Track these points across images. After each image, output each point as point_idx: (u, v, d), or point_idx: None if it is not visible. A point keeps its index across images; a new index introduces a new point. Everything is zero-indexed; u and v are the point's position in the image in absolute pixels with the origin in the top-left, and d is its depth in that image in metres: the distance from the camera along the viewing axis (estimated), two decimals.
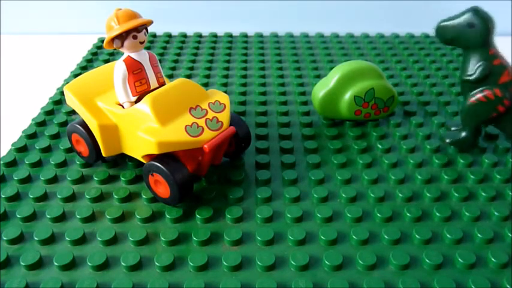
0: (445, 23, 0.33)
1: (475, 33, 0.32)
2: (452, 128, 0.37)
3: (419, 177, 0.32)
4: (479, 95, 0.33)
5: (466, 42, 0.33)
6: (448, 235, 0.28)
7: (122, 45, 0.30)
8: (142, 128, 0.29)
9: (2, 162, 0.34)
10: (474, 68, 0.32)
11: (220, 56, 0.53)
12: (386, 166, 0.34)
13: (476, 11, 0.32)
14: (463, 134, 0.34)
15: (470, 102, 0.33)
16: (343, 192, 0.31)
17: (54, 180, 0.32)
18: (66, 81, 0.47)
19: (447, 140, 0.35)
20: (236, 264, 0.26)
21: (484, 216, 0.30)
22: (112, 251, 0.27)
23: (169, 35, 0.59)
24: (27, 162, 0.34)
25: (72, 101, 0.32)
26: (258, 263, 0.26)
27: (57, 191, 0.31)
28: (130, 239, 0.28)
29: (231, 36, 0.59)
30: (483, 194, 0.31)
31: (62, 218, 0.29)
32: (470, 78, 0.33)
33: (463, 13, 0.33)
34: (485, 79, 0.32)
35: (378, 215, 0.29)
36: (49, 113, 0.40)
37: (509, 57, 0.55)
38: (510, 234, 0.28)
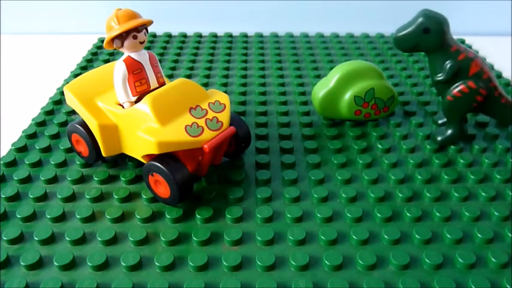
0: (401, 34, 0.34)
1: (432, 37, 0.33)
2: (440, 121, 0.38)
3: (419, 177, 0.32)
4: (454, 91, 0.33)
5: (426, 47, 0.33)
6: (448, 235, 0.28)
7: (122, 45, 0.30)
8: (142, 128, 0.29)
9: (2, 162, 0.34)
10: (442, 68, 0.33)
11: (220, 56, 0.53)
12: (386, 166, 0.34)
13: (427, 16, 0.33)
14: (450, 131, 0.35)
15: (448, 99, 0.34)
16: (343, 192, 0.31)
17: (54, 180, 0.32)
18: (66, 81, 0.47)
19: (438, 138, 0.36)
20: (236, 264, 0.26)
21: (484, 216, 0.30)
22: (112, 251, 0.27)
23: (169, 35, 0.59)
24: (27, 162, 0.34)
25: (72, 101, 0.32)
26: (258, 263, 0.26)
27: (57, 191, 0.31)
28: (130, 239, 0.28)
29: (231, 36, 0.59)
30: (483, 194, 0.31)
31: (62, 218, 0.29)
32: (441, 79, 0.34)
33: (415, 19, 0.33)
34: (456, 76, 0.33)
35: (378, 215, 0.29)
36: (49, 113, 0.40)
37: (509, 57, 0.55)
38: (510, 234, 0.28)
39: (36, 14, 0.63)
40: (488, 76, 0.33)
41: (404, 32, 0.33)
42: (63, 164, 0.34)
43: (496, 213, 0.29)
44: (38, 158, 0.34)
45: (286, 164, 0.34)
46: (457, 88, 0.33)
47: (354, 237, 0.28)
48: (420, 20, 0.33)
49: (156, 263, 0.26)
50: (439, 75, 0.34)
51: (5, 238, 0.28)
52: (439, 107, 0.41)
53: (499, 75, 0.47)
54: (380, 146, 0.36)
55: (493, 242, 0.28)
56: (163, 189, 0.30)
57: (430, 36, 0.33)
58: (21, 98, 0.45)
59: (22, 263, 0.26)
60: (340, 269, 0.26)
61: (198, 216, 0.29)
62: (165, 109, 0.29)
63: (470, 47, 0.56)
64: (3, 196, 0.31)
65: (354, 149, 0.36)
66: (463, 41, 0.58)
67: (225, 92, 0.44)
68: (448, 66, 0.33)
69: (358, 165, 0.34)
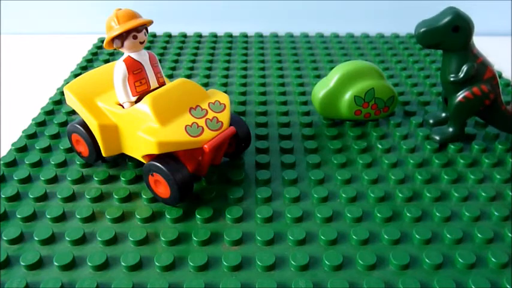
0: (427, 29, 0.33)
1: (460, 36, 0.33)
2: (431, 121, 0.38)
3: (419, 177, 0.32)
4: (466, 93, 0.34)
5: (451, 46, 0.33)
6: (448, 235, 0.28)
7: (122, 45, 0.30)
8: (142, 128, 0.29)
9: (2, 162, 0.34)
10: (460, 69, 0.33)
11: (220, 56, 0.53)
12: (386, 166, 0.34)
13: (458, 14, 0.33)
14: (451, 129, 0.36)
15: (459, 100, 0.34)
16: (343, 192, 0.31)
17: (54, 180, 0.32)
18: (66, 81, 0.47)
19: (437, 138, 0.36)
20: (236, 264, 0.26)
21: (484, 216, 0.30)
22: (112, 251, 0.27)
23: (169, 35, 0.59)
24: (27, 162, 0.34)
25: (72, 101, 0.32)
26: (258, 263, 0.26)
27: (57, 191, 0.31)
28: (130, 239, 0.28)
29: (231, 36, 0.59)
30: (483, 194, 0.31)
31: (62, 218, 0.29)
32: (458, 79, 0.34)
33: (443, 16, 0.33)
34: (472, 78, 0.33)
35: (378, 215, 0.29)
36: (49, 113, 0.40)
37: (509, 57, 0.55)
38: (510, 234, 0.28)
39: (36, 14, 0.63)
40: (497, 82, 0.34)
41: (432, 27, 0.33)
42: (63, 164, 0.34)
43: (496, 213, 0.29)
44: (38, 158, 0.34)
45: (286, 164, 0.34)
46: (470, 90, 0.34)
47: (354, 237, 0.28)
48: (451, 17, 0.32)
49: (156, 263, 0.26)
50: (458, 74, 0.33)
51: (5, 238, 0.28)
52: (439, 107, 0.41)
53: (499, 75, 0.47)
54: (380, 146, 0.36)
55: (493, 242, 0.28)
56: (163, 189, 0.30)
57: (458, 35, 0.33)
58: (21, 98, 0.45)
59: (22, 263, 0.26)
60: (340, 269, 0.26)
61: (198, 216, 0.29)
62: (165, 109, 0.29)
63: None
64: (3, 196, 0.31)
65: (354, 149, 0.36)
66: None
67: (225, 92, 0.44)
68: (467, 67, 0.33)
69: (358, 165, 0.34)
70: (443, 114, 0.38)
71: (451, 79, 0.34)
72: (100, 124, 0.30)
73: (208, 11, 0.63)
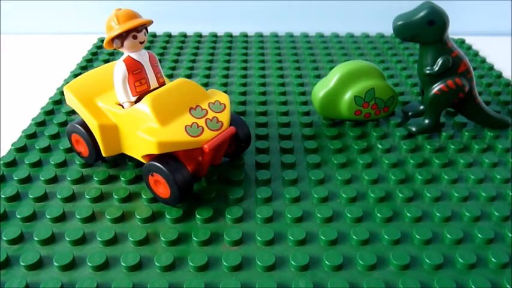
0: (403, 22, 0.34)
1: (434, 30, 0.34)
2: (410, 113, 0.39)
3: (419, 177, 0.32)
4: (441, 86, 0.35)
5: (426, 39, 0.34)
6: (448, 235, 0.28)
7: (122, 45, 0.30)
8: (142, 128, 0.29)
9: (2, 162, 0.34)
10: (435, 62, 0.34)
11: (220, 56, 0.53)
12: (386, 166, 0.34)
13: (434, 9, 0.34)
14: (427, 121, 0.36)
15: (434, 93, 0.35)
16: (343, 192, 0.31)
17: (54, 180, 0.32)
18: (66, 81, 0.47)
19: (413, 129, 0.37)
20: (236, 264, 0.26)
21: (484, 216, 0.30)
22: (112, 251, 0.27)
23: (169, 35, 0.59)
24: (27, 162, 0.34)
25: (72, 101, 0.32)
26: (258, 263, 0.26)
27: (57, 191, 0.31)
28: (130, 239, 0.28)
29: (231, 36, 0.59)
30: (483, 194, 0.31)
31: (62, 218, 0.29)
32: (433, 71, 0.35)
33: (419, 10, 0.34)
34: (447, 71, 0.34)
35: (378, 215, 0.29)
36: (49, 113, 0.40)
37: (509, 57, 0.55)
38: (510, 234, 0.28)
39: (36, 14, 0.63)
40: (471, 76, 0.35)
41: (408, 21, 0.34)
42: (63, 164, 0.34)
43: (496, 213, 0.29)
44: (38, 158, 0.34)
45: (286, 164, 0.34)
46: (445, 83, 0.35)
47: (354, 237, 0.28)
48: (426, 11, 0.33)
49: (156, 263, 0.26)
50: (433, 67, 0.34)
51: (5, 238, 0.28)
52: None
53: (499, 75, 0.47)
54: (380, 146, 0.36)
55: (493, 242, 0.28)
56: (163, 189, 0.30)
57: (433, 29, 0.33)
58: (21, 98, 0.45)
59: (22, 263, 0.26)
60: (340, 269, 0.26)
61: (198, 216, 0.29)
62: (165, 109, 0.29)
63: (470, 47, 0.56)
64: (3, 196, 0.31)
65: (354, 149, 0.36)
66: (463, 41, 0.58)
67: (225, 92, 0.44)
68: (442, 61, 0.34)
69: (358, 165, 0.34)
70: (422, 107, 0.39)
71: (427, 72, 0.35)
72: (100, 124, 0.30)
73: (208, 11, 0.63)
